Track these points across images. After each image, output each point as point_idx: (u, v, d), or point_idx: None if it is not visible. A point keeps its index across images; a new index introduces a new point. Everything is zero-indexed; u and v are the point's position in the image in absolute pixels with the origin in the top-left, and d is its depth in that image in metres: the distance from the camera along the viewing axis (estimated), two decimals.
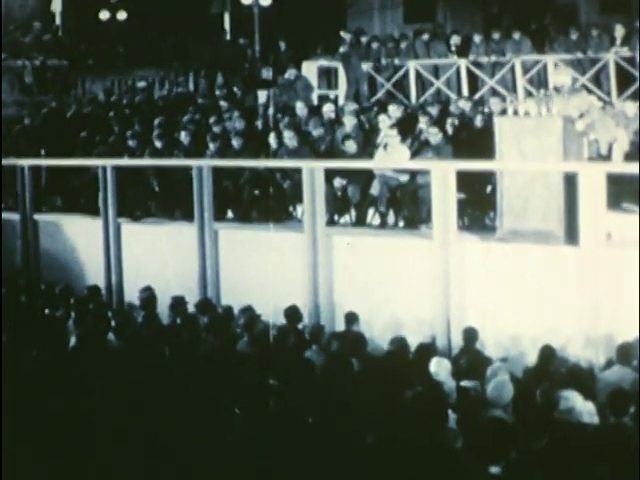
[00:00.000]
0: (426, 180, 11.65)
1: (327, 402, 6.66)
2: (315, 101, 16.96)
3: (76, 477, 6.25)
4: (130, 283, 13.44)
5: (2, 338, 9.32)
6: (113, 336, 10.12)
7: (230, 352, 9.70)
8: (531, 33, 18.08)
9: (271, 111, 15.49)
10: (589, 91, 14.77)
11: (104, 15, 24.70)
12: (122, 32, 24.31)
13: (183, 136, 14.20)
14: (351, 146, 12.78)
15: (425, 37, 18.41)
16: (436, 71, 17.94)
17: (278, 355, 9.57)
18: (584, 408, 7.92)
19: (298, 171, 12.33)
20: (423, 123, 12.83)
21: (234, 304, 11.67)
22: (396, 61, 18.13)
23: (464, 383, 8.66)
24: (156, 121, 14.99)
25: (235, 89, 18.89)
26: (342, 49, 18.46)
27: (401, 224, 12.31)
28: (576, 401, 7.91)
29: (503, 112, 11.77)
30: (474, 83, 17.56)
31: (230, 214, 13.44)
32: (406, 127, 13.05)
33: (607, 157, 11.57)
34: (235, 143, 13.66)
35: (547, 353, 9.67)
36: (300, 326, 11.02)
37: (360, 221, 12.57)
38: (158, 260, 13.26)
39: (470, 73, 17.61)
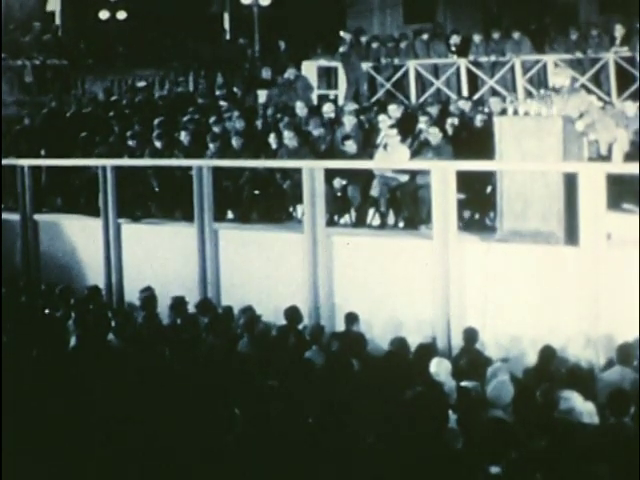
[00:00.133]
0: (426, 180, 11.64)
1: (327, 402, 6.67)
2: (315, 101, 16.96)
3: (76, 477, 6.26)
4: (130, 283, 13.44)
5: (2, 338, 9.32)
6: (113, 336, 10.13)
7: (230, 352, 9.71)
8: (531, 33, 18.07)
9: (270, 111, 15.49)
10: (589, 91, 14.77)
11: (104, 15, 24.69)
12: (122, 32, 24.31)
13: (183, 136, 14.20)
14: (351, 146, 12.78)
15: (425, 37, 18.41)
16: (436, 71, 17.94)
17: (278, 355, 9.56)
18: (584, 408, 7.93)
19: (298, 171, 12.33)
20: (423, 123, 12.82)
21: (234, 304, 11.67)
22: (396, 61, 18.13)
23: (464, 383, 8.66)
24: (156, 121, 14.97)
25: (235, 89, 18.88)
26: (342, 49, 18.46)
27: (401, 224, 12.30)
28: (576, 401, 7.92)
29: (503, 112, 11.77)
30: (474, 83, 17.56)
31: (230, 214, 13.44)
32: (406, 127, 13.04)
33: (607, 157, 11.56)
34: (235, 143, 13.65)
35: (547, 353, 9.67)
36: (300, 326, 11.02)
37: (360, 221, 12.56)
38: (158, 260, 13.26)
39: (470, 73, 17.61)
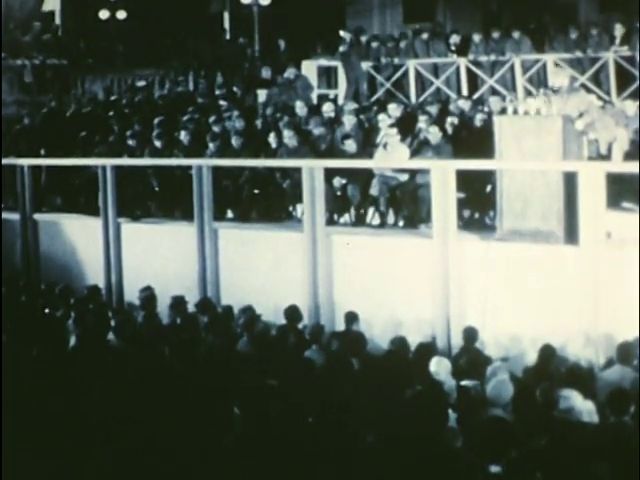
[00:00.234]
0: (426, 179, 11.65)
1: (327, 402, 6.66)
2: (315, 100, 16.96)
3: (76, 477, 6.25)
4: (130, 283, 13.45)
5: (2, 338, 9.32)
6: (113, 336, 10.12)
7: (230, 352, 9.70)
8: (531, 32, 18.07)
9: (269, 111, 15.49)
10: (588, 90, 14.78)
11: (104, 14, 24.67)
12: (122, 31, 24.29)
13: (183, 135, 14.21)
14: (351, 145, 12.78)
15: (425, 36, 18.41)
16: (436, 70, 17.94)
17: (278, 355, 9.56)
18: (584, 407, 7.92)
19: (298, 170, 12.33)
20: (423, 122, 12.83)
21: (234, 304, 11.67)
22: (396, 60, 18.13)
23: (464, 382, 8.66)
24: (156, 120, 14.99)
25: (235, 88, 18.88)
26: (342, 48, 18.46)
27: (401, 223, 12.31)
28: (576, 400, 7.91)
29: (503, 111, 11.78)
30: (474, 82, 17.56)
31: (230, 214, 13.45)
32: (406, 126, 13.04)
33: (607, 156, 11.57)
34: (235, 142, 13.66)
35: (547, 352, 9.67)
36: (300, 326, 11.02)
37: (360, 220, 12.57)
38: (158, 260, 13.27)
39: (470, 72, 17.61)
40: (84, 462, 6.25)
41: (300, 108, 14.71)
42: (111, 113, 16.56)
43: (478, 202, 12.11)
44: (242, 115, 14.90)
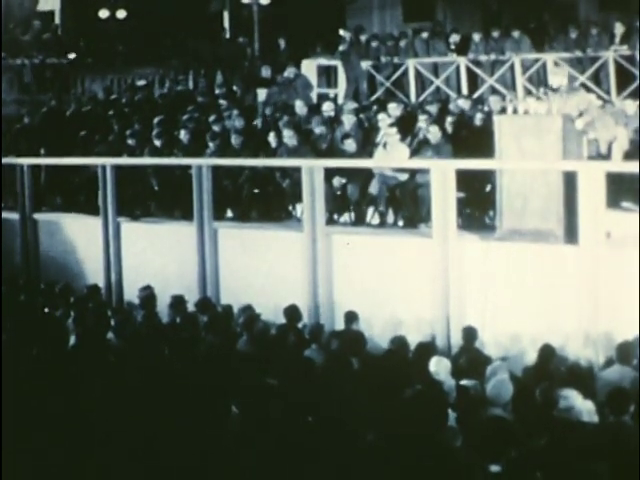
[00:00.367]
0: (425, 179, 11.65)
1: (327, 401, 6.66)
2: (315, 100, 16.96)
3: (76, 476, 6.25)
4: (130, 282, 13.44)
5: (2, 337, 9.31)
6: (113, 335, 10.12)
7: (230, 351, 9.70)
8: (530, 31, 18.08)
9: (269, 110, 15.49)
10: (588, 89, 14.77)
11: (103, 13, 24.65)
12: (122, 31, 24.29)
13: (183, 135, 14.21)
14: (350, 145, 12.78)
15: (424, 35, 18.41)
16: (435, 69, 17.94)
17: (278, 354, 9.56)
18: (584, 407, 7.92)
19: (297, 170, 12.33)
20: (423, 122, 12.83)
21: (234, 303, 11.68)
22: (395, 59, 18.14)
23: (464, 382, 8.66)
24: (156, 120, 14.98)
25: (235, 87, 18.87)
26: (341, 47, 18.46)
27: (400, 223, 12.31)
28: (576, 400, 7.91)
29: (503, 111, 11.77)
30: (474, 81, 17.56)
31: (229, 213, 13.45)
32: (406, 126, 13.05)
33: (607, 156, 11.56)
34: (234, 142, 13.66)
35: (547, 352, 9.68)
36: (300, 325, 11.02)
37: (359, 220, 12.57)
38: (158, 259, 13.26)
39: (470, 71, 17.61)
40: (84, 461, 6.25)
41: (300, 107, 14.71)
42: (111, 112, 16.54)
43: (478, 202, 12.11)
44: (242, 114, 14.91)
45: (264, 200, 13.24)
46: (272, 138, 13.45)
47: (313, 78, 17.81)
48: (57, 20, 23.62)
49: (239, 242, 12.85)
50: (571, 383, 8.34)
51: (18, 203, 14.82)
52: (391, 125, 12.83)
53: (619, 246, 10.39)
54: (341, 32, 19.02)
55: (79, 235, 14.31)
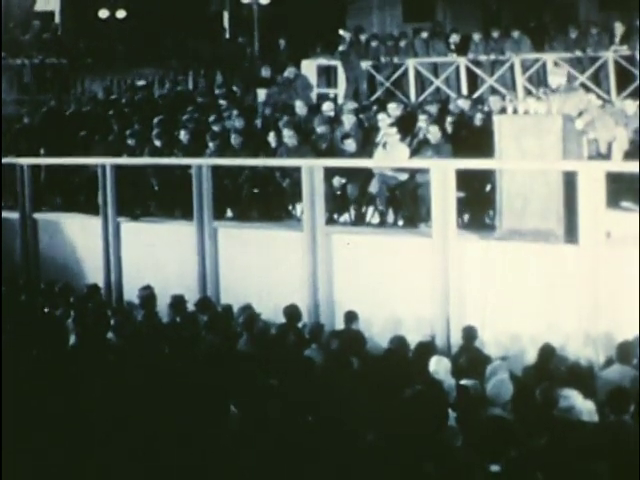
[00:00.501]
0: (425, 179, 11.64)
1: (326, 401, 6.66)
2: (315, 100, 16.96)
3: (76, 476, 6.25)
4: (129, 282, 13.44)
5: (2, 337, 9.31)
6: (112, 335, 10.13)
7: (230, 351, 9.70)
8: (530, 31, 18.09)
9: (269, 110, 15.49)
10: (588, 89, 14.77)
11: (103, 14, 24.67)
12: (121, 31, 24.30)
13: (182, 135, 14.20)
14: (350, 145, 12.78)
15: (424, 35, 18.42)
16: (435, 69, 17.95)
17: (277, 354, 9.56)
18: (584, 406, 7.92)
19: (297, 170, 12.33)
20: (422, 122, 12.83)
21: (234, 303, 11.67)
22: (395, 59, 18.14)
23: (464, 381, 8.65)
24: (155, 120, 14.98)
25: (234, 88, 18.88)
26: (341, 47, 18.47)
27: (400, 223, 12.31)
28: (576, 399, 7.91)
29: (502, 111, 11.75)
30: (473, 82, 17.57)
31: (229, 213, 13.44)
32: (405, 126, 13.04)
33: (607, 156, 11.56)
34: (234, 142, 13.65)
35: (547, 351, 9.67)
36: (300, 325, 11.02)
37: (359, 220, 12.57)
38: (157, 259, 13.26)
39: (469, 72, 17.62)
40: (84, 461, 6.25)
41: (300, 107, 14.71)
42: (111, 112, 16.55)
43: (478, 201, 12.10)
44: (242, 114, 14.91)
45: (264, 200, 13.23)
46: (272, 138, 13.45)
47: (313, 78, 17.81)
48: (57, 20, 23.64)
49: (239, 242, 12.84)
50: (571, 383, 8.34)
51: (18, 203, 14.82)
52: (391, 125, 12.83)
53: (619, 246, 10.38)
54: (341, 32, 19.03)
55: (79, 235, 14.31)
